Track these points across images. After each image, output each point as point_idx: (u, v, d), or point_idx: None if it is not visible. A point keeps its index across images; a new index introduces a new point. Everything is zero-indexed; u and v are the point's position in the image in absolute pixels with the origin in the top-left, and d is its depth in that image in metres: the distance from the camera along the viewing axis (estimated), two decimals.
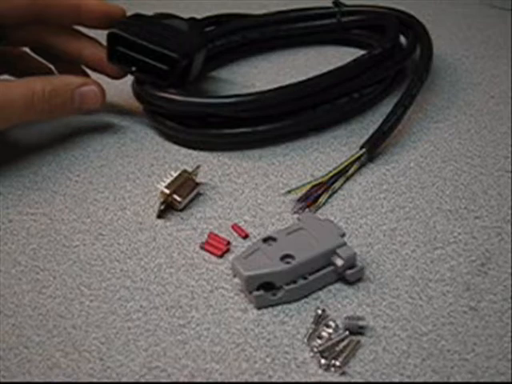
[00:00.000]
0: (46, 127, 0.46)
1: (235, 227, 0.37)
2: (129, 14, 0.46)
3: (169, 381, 0.29)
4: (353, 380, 0.29)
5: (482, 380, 0.29)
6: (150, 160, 0.43)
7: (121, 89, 0.48)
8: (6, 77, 0.47)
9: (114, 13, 0.44)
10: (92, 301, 0.34)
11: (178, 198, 0.38)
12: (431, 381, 0.29)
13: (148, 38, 0.43)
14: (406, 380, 0.29)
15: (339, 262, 0.33)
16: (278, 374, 0.29)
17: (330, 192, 0.39)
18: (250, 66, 0.53)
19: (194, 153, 0.43)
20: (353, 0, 0.55)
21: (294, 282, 0.32)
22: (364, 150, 0.41)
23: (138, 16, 0.46)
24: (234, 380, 0.29)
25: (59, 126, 0.46)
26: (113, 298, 0.34)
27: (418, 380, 0.29)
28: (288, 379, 0.29)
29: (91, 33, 0.46)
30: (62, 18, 0.44)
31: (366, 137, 0.42)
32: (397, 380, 0.29)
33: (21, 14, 0.43)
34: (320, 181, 0.39)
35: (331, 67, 0.45)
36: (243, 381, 0.29)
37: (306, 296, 0.33)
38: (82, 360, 0.31)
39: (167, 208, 0.38)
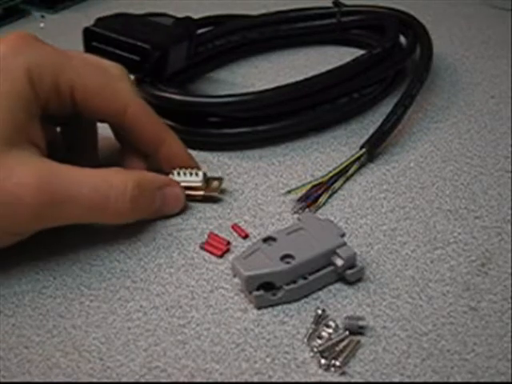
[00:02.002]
0: None
1: (235, 227, 0.37)
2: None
3: (169, 381, 0.29)
4: (353, 380, 0.29)
5: (482, 380, 0.29)
6: (151, 160, 0.43)
7: None
8: None
9: (189, 163, 0.40)
10: (92, 301, 0.34)
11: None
12: (431, 381, 0.29)
13: (122, 33, 0.43)
14: (406, 380, 0.29)
15: (339, 262, 0.33)
16: (277, 374, 0.29)
17: (329, 192, 0.39)
18: (250, 66, 0.53)
19: (194, 153, 0.43)
20: (353, 0, 0.55)
21: (294, 282, 0.32)
22: (364, 149, 0.41)
23: (121, 15, 0.46)
24: (233, 380, 0.29)
25: None
26: (113, 298, 0.34)
27: (418, 380, 0.29)
28: (288, 379, 0.29)
29: None
30: (141, 140, 0.39)
31: (366, 137, 0.42)
32: (397, 380, 0.29)
33: (107, 119, 0.39)
34: (320, 181, 0.39)
35: (331, 67, 0.45)
36: (243, 381, 0.29)
37: (305, 296, 0.33)
38: (82, 360, 0.31)
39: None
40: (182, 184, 0.38)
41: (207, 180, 0.39)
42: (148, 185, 0.37)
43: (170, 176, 0.39)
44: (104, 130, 0.41)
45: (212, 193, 0.39)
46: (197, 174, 0.39)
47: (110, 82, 0.37)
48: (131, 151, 0.40)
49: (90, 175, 0.35)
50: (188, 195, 0.39)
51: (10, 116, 0.34)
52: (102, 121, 0.40)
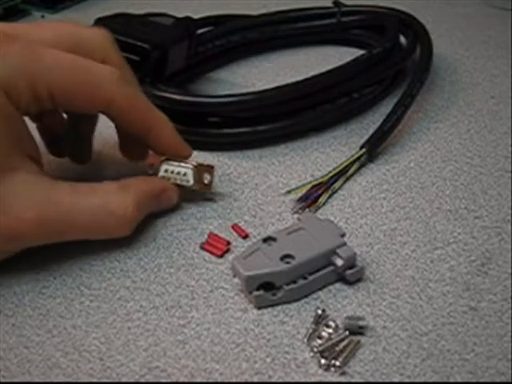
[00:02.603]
0: None
1: (235, 227, 0.37)
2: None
3: (169, 381, 0.29)
4: (353, 380, 0.29)
5: (481, 380, 0.29)
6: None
7: None
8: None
9: (180, 151, 0.39)
10: (92, 301, 0.34)
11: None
12: (431, 381, 0.29)
13: (122, 33, 0.43)
14: (406, 380, 0.29)
15: (339, 262, 0.33)
16: (277, 374, 0.29)
17: (329, 192, 0.39)
18: (250, 66, 0.53)
19: (194, 153, 0.43)
20: (353, 0, 0.55)
21: (294, 281, 0.32)
22: (364, 149, 0.41)
23: (121, 15, 0.46)
24: (234, 380, 0.29)
25: None
26: (113, 298, 0.34)
27: (417, 380, 0.29)
28: (288, 379, 0.29)
29: None
30: (129, 129, 0.38)
31: (366, 137, 0.42)
32: (397, 380, 0.29)
33: (91, 111, 0.37)
34: (320, 181, 0.39)
35: (331, 67, 0.45)
36: (243, 381, 0.29)
37: (306, 296, 0.33)
38: (82, 360, 0.31)
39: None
40: (169, 176, 0.38)
41: (198, 172, 0.38)
42: (146, 200, 0.36)
43: (160, 174, 0.38)
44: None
45: (204, 189, 0.39)
46: (185, 174, 0.38)
47: (89, 75, 0.35)
48: (129, 138, 0.40)
49: (88, 202, 0.34)
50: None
51: None
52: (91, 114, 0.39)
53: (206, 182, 0.39)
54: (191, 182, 0.38)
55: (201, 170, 0.38)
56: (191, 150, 0.39)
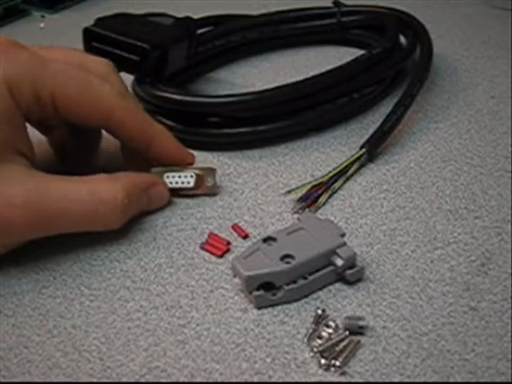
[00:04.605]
0: None
1: (235, 227, 0.37)
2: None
3: (169, 381, 0.29)
4: (353, 380, 0.29)
5: (481, 380, 0.29)
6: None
7: None
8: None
9: (183, 158, 0.39)
10: (92, 301, 0.34)
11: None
12: (431, 381, 0.29)
13: (122, 32, 0.43)
14: (406, 380, 0.29)
15: (339, 262, 0.33)
16: (277, 374, 0.29)
17: (329, 192, 0.39)
18: (250, 66, 0.53)
19: (194, 153, 0.43)
20: (353, 0, 0.55)
21: (294, 281, 0.32)
22: (364, 150, 0.41)
23: (121, 15, 0.46)
24: (234, 380, 0.29)
25: None
26: (113, 298, 0.34)
27: (417, 380, 0.29)
28: (288, 379, 0.29)
29: None
30: (130, 142, 0.38)
31: (366, 137, 0.42)
32: (397, 380, 0.29)
33: (91, 122, 0.38)
34: (320, 181, 0.39)
35: (331, 67, 0.45)
36: (243, 381, 0.29)
37: (306, 296, 0.33)
38: (82, 360, 0.30)
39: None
40: (174, 186, 0.39)
41: (200, 175, 0.39)
42: (136, 190, 0.37)
43: (165, 179, 0.39)
44: None
45: (209, 192, 0.39)
46: (185, 177, 0.39)
47: (91, 87, 0.36)
48: (133, 152, 0.40)
49: (77, 190, 0.34)
50: (182, 194, 0.39)
51: None
52: (90, 126, 0.39)
53: (209, 185, 0.39)
54: (194, 186, 0.39)
55: (203, 174, 0.39)
56: (194, 156, 0.40)
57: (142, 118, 0.38)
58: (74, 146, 0.41)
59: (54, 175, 0.35)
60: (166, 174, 0.39)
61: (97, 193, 0.35)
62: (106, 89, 0.37)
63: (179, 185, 0.39)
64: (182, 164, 0.39)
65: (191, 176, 0.39)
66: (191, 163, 0.40)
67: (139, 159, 0.40)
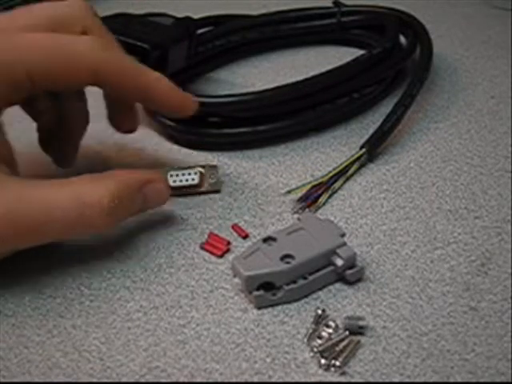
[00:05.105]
0: None
1: (235, 227, 0.37)
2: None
3: (169, 381, 0.29)
4: (353, 380, 0.29)
5: (481, 380, 0.29)
6: (151, 160, 0.43)
7: None
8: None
9: (185, 103, 0.37)
10: (92, 301, 0.34)
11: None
12: (431, 381, 0.29)
13: (122, 32, 0.43)
14: (406, 380, 0.29)
15: (339, 262, 0.33)
16: (277, 374, 0.29)
17: (329, 192, 0.39)
18: (250, 66, 0.53)
19: (194, 153, 0.43)
20: (353, 0, 0.55)
21: (294, 282, 0.32)
22: (364, 150, 0.41)
23: (121, 15, 0.46)
24: (234, 380, 0.29)
25: None
26: (113, 298, 0.34)
27: (417, 380, 0.29)
28: (288, 379, 0.29)
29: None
30: (125, 95, 0.37)
31: (366, 137, 0.42)
32: (397, 380, 0.29)
33: (79, 85, 0.36)
34: (320, 181, 0.39)
35: (331, 67, 0.45)
36: (243, 381, 0.29)
37: (306, 296, 0.33)
38: (82, 360, 0.31)
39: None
40: (178, 184, 0.39)
41: (203, 173, 0.39)
42: (126, 191, 0.34)
43: (168, 178, 0.39)
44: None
45: (211, 188, 0.39)
46: (189, 174, 0.39)
47: (68, 50, 0.34)
48: (119, 110, 0.39)
49: (60, 195, 0.32)
50: (186, 192, 0.39)
51: None
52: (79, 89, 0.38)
53: (212, 181, 0.39)
54: (198, 183, 0.39)
55: (206, 170, 0.39)
56: (192, 97, 0.38)
57: (131, 67, 0.36)
58: (61, 132, 0.40)
59: (35, 181, 0.33)
60: (169, 173, 0.39)
61: (80, 197, 0.32)
62: (86, 44, 0.34)
63: (183, 183, 0.39)
64: (185, 109, 0.38)
65: (195, 173, 0.39)
66: (194, 107, 0.38)
67: (125, 115, 0.39)
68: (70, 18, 0.36)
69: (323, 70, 0.44)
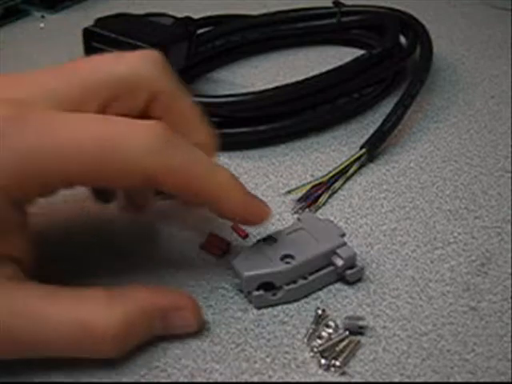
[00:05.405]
0: None
1: (235, 227, 0.37)
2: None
3: (169, 381, 0.29)
4: (353, 380, 0.29)
5: (481, 380, 0.29)
6: None
7: None
8: None
9: (255, 218, 0.32)
10: None
11: None
12: (431, 381, 0.29)
13: (122, 32, 0.43)
14: (406, 380, 0.29)
15: (339, 262, 0.33)
16: (277, 374, 0.29)
17: (329, 192, 0.39)
18: (250, 65, 0.53)
19: None
20: (353, 0, 0.55)
21: (294, 282, 0.32)
22: (364, 150, 0.41)
23: (121, 15, 0.46)
24: (234, 380, 0.29)
25: None
26: None
27: (418, 380, 0.29)
28: (288, 379, 0.29)
29: None
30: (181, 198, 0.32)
31: (366, 137, 0.42)
32: (397, 380, 0.29)
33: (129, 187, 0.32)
34: (320, 181, 0.39)
35: (331, 67, 0.45)
36: (243, 381, 0.29)
37: (306, 296, 0.33)
38: (82, 360, 0.30)
39: None
40: None
41: None
42: (141, 319, 0.29)
43: None
44: None
45: None
46: None
47: (116, 158, 0.27)
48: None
49: (60, 313, 0.28)
50: None
51: None
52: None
53: None
54: None
55: None
56: (269, 209, 0.33)
57: (199, 174, 0.29)
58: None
59: (37, 288, 0.29)
60: None
61: (84, 320, 0.28)
62: (136, 147, 0.27)
63: None
64: (254, 222, 0.33)
65: None
66: (263, 218, 0.33)
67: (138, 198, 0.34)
68: (135, 81, 0.30)
69: (323, 70, 0.44)
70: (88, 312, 0.28)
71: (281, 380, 0.29)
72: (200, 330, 0.31)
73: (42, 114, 0.28)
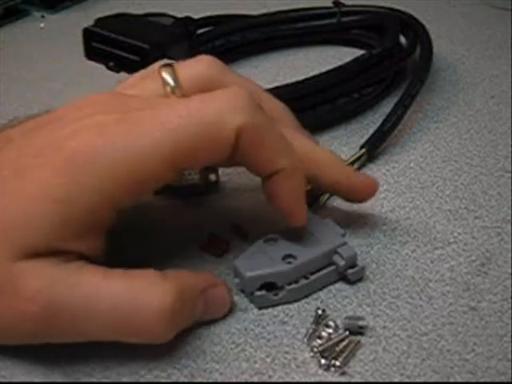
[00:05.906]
0: None
1: (235, 227, 0.37)
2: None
3: (169, 381, 0.29)
4: (353, 380, 0.29)
5: (481, 380, 0.29)
6: None
7: None
8: None
9: (361, 189, 0.34)
10: None
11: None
12: (431, 381, 0.29)
13: (122, 32, 0.43)
14: (406, 380, 0.29)
15: (341, 262, 0.33)
16: (277, 374, 0.29)
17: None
18: (250, 65, 0.53)
19: None
20: (353, 0, 0.55)
21: (296, 281, 0.32)
22: (364, 150, 0.41)
23: (121, 15, 0.46)
24: (234, 380, 0.29)
25: None
26: None
27: (418, 380, 0.29)
28: (288, 379, 0.29)
29: None
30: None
31: (366, 137, 0.42)
32: (397, 380, 0.29)
33: None
34: None
35: (331, 67, 0.45)
36: (243, 381, 0.29)
37: (306, 296, 0.33)
38: (82, 360, 0.30)
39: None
40: (178, 184, 0.39)
41: (203, 172, 0.39)
42: (190, 294, 0.29)
43: None
44: None
45: (211, 188, 0.39)
46: (189, 174, 0.39)
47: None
48: None
49: (114, 286, 0.27)
50: (187, 192, 0.39)
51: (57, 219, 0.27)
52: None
53: (212, 180, 0.39)
54: (199, 182, 0.39)
55: (206, 171, 0.39)
56: (377, 183, 0.34)
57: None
58: None
59: (94, 267, 0.28)
60: None
61: (139, 293, 0.27)
62: (225, 109, 0.29)
63: (183, 183, 0.39)
64: (359, 194, 0.35)
65: (195, 173, 0.39)
66: (373, 192, 0.35)
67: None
68: (210, 77, 0.32)
69: (323, 69, 0.44)
70: (142, 289, 0.27)
71: (281, 380, 0.29)
72: (230, 311, 0.31)
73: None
